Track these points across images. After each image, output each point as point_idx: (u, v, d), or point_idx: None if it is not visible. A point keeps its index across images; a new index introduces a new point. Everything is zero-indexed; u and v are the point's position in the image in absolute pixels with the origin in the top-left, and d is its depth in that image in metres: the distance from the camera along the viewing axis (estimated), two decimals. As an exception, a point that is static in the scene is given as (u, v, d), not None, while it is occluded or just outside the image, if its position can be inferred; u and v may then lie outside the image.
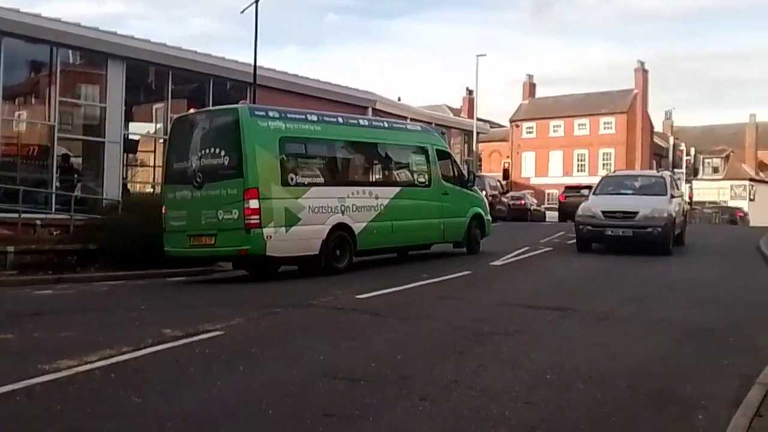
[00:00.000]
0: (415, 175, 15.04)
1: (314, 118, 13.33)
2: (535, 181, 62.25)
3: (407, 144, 15.22)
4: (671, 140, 60.88)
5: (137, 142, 26.20)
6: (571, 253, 16.20)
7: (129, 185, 24.74)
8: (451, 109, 63.48)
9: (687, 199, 29.98)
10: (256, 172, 11.64)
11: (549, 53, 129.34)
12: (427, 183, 15.02)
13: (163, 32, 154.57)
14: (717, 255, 16.51)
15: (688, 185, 56.45)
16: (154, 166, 25.18)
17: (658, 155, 66.01)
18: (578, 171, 61.23)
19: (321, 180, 12.84)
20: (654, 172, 19.30)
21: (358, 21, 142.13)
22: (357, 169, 14.18)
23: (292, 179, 12.26)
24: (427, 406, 4.93)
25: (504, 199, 34.24)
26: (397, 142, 15.00)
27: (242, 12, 20.77)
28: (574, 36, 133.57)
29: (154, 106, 26.02)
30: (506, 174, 44.30)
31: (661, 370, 6.05)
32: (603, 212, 15.67)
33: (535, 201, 42.45)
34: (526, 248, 16.42)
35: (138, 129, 26.46)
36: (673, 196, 16.56)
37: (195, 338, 7.12)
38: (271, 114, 12.41)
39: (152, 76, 24.66)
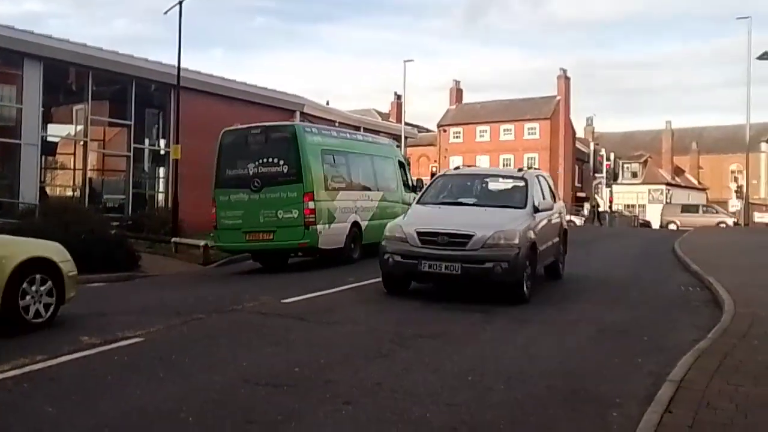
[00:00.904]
0: (389, 182, 17.59)
1: (335, 133, 16.58)
2: (462, 185, 63.03)
3: (385, 155, 18.06)
4: (592, 146, 62.79)
5: (56, 144, 25.43)
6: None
7: (48, 189, 23.98)
8: (379, 113, 63.81)
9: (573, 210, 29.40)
10: (311, 179, 14.07)
11: (475, 60, 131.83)
12: (395, 188, 17.72)
13: (85, 33, 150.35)
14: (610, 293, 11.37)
15: (608, 189, 58.24)
16: (74, 169, 24.47)
17: (580, 160, 67.88)
18: (504, 175, 62.38)
19: (344, 185, 15.40)
20: (514, 171, 12.51)
21: (286, 25, 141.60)
22: (361, 176, 16.50)
23: (329, 185, 14.78)
24: (350, 410, 4.94)
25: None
26: (380, 153, 17.77)
27: (165, 13, 20.35)
28: (500, 44, 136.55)
29: (75, 108, 25.25)
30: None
31: (578, 369, 6.22)
32: (419, 234, 9.78)
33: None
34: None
35: (57, 131, 25.69)
36: (538, 209, 10.74)
37: (113, 345, 6.95)
38: (313, 130, 15.34)
39: (72, 77, 23.94)
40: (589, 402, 5.24)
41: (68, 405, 5.09)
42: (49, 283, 8.17)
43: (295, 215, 13.82)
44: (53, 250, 8.60)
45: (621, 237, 23.24)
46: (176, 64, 20.65)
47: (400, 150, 21.87)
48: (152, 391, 5.43)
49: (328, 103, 42.37)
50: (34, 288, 7.95)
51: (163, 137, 26.47)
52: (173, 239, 18.81)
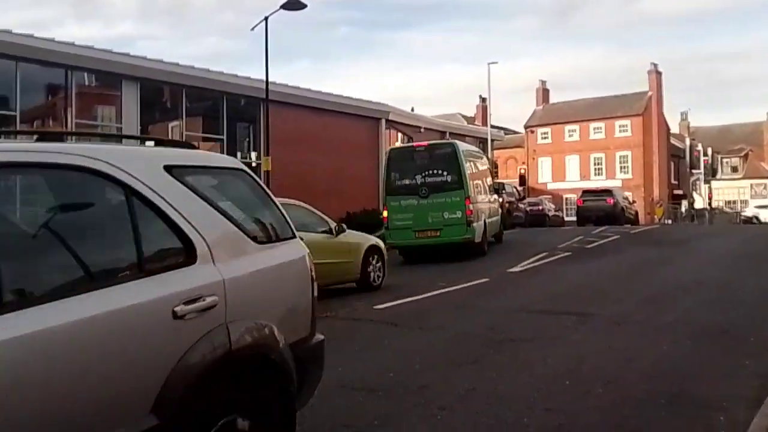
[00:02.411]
0: (489, 185, 20.94)
1: (469, 148, 20.83)
2: (552, 186, 62.01)
3: (485, 163, 21.88)
4: (688, 141, 60.57)
5: (154, 161, 26.47)
6: (589, 258, 16.13)
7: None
8: (464, 117, 63.52)
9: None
10: (469, 185, 17.31)
11: (560, 59, 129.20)
12: (491, 191, 21.00)
13: (176, 52, 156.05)
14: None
15: (707, 185, 56.06)
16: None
17: (675, 156, 65.66)
18: (595, 175, 60.97)
19: (480, 190, 18.84)
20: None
21: (369, 34, 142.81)
22: (481, 182, 19.54)
23: (474, 190, 17.89)
24: (445, 415, 4.94)
25: (521, 206, 34.16)
26: (483, 161, 21.62)
27: (252, 29, 20.95)
28: (585, 41, 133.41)
29: (170, 125, 26.25)
30: (522, 180, 44.26)
31: (679, 371, 6.01)
32: None
33: (553, 206, 42.29)
34: (544, 254, 16.38)
35: (154, 148, 26.72)
36: None
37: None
38: (470, 148, 20.44)
39: (166, 95, 24.91)
40: (692, 405, 5.05)
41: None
42: (381, 261, 12.69)
43: (459, 215, 16.84)
44: (379, 241, 13.11)
45: (721, 235, 22.32)
46: (264, 78, 21.18)
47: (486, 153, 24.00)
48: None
49: (413, 110, 42.51)
50: (374, 263, 12.48)
51: (254, 149, 27.17)
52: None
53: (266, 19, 20.40)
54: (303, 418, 4.98)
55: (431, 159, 17.69)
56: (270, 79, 21.59)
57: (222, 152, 25.27)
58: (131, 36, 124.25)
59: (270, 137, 21.96)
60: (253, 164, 27.08)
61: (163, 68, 22.71)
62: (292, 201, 12.15)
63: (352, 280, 12.29)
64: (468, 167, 17.76)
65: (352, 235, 12.61)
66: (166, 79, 23.02)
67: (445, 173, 17.33)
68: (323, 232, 11.85)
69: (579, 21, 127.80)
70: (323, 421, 4.88)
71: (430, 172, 17.39)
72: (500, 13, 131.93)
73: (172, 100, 24.68)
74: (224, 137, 25.22)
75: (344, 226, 12.77)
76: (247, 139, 28.04)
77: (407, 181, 17.56)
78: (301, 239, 7.96)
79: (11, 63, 19.48)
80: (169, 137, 26.09)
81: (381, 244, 13.14)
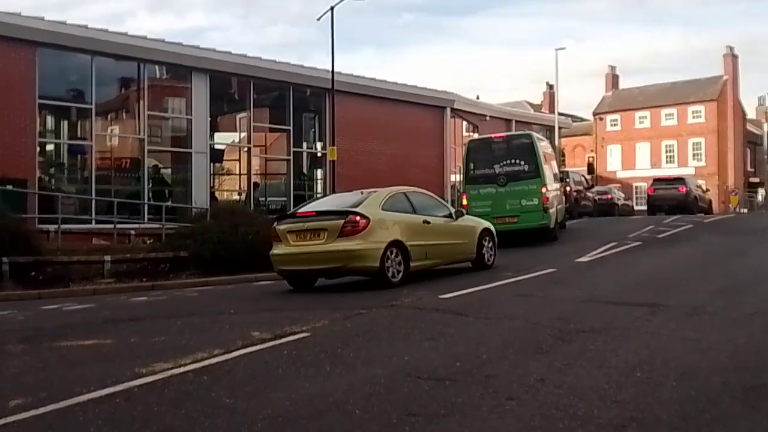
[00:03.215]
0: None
1: (543, 136, 23.09)
2: (621, 174, 60.72)
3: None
4: (765, 127, 58.41)
5: (223, 151, 27.01)
6: (661, 247, 15.74)
7: (216, 193, 25.52)
8: (531, 105, 62.69)
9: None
10: (544, 175, 18.28)
11: (630, 43, 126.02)
12: None
13: (242, 42, 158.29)
14: None
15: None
16: (239, 174, 25.88)
17: (752, 143, 63.41)
18: (667, 162, 59.43)
19: (553, 178, 19.70)
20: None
21: (433, 19, 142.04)
22: (549, 170, 19.67)
23: (549, 178, 18.78)
24: (514, 405, 4.89)
25: (589, 194, 33.55)
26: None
27: (318, 19, 21.13)
28: (656, 23, 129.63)
29: (238, 116, 26.76)
30: (591, 168, 43.35)
31: (755, 365, 5.82)
32: None
33: (623, 195, 41.42)
34: (613, 244, 16.08)
35: (223, 139, 27.28)
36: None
37: (282, 340, 7.28)
38: (539, 137, 20.75)
39: (235, 86, 25.39)
40: (771, 400, 4.89)
41: (243, 395, 5.39)
42: (492, 243, 13.68)
43: (536, 203, 17.82)
44: (490, 225, 14.08)
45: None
46: (330, 69, 21.34)
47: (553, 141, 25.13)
48: (320, 383, 5.64)
49: (478, 98, 42.18)
50: (486, 245, 13.46)
51: (320, 140, 27.47)
52: (333, 238, 19.44)
53: (332, 8, 20.55)
54: (370, 405, 5.03)
55: (509, 149, 18.75)
56: (335, 69, 21.72)
57: (288, 142, 25.61)
58: (201, 27, 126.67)
59: (335, 127, 22.15)
60: (319, 154, 27.37)
61: (231, 60, 23.14)
62: (419, 189, 13.64)
63: (469, 259, 13.25)
64: (542, 157, 18.64)
65: (468, 219, 13.81)
66: (234, 70, 23.46)
67: (522, 163, 18.35)
68: (445, 216, 12.93)
69: (653, 3, 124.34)
70: (389, 409, 4.89)
71: (508, 161, 18.45)
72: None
73: (240, 92, 25.12)
74: (291, 127, 25.56)
75: (463, 210, 14.18)
76: (313, 129, 28.36)
77: (486, 171, 18.62)
78: (428, 222, 12.41)
79: (87, 57, 20.17)
80: (236, 127, 26.57)
81: (492, 227, 13.96)
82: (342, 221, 11.06)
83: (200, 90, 22.66)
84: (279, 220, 12.18)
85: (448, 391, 5.26)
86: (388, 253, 11.15)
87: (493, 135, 20.82)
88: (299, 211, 12.49)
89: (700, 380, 5.36)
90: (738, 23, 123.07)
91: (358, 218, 11.06)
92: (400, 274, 11.34)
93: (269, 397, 5.34)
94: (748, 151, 63.79)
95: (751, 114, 67.53)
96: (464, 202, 18.40)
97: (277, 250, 11.73)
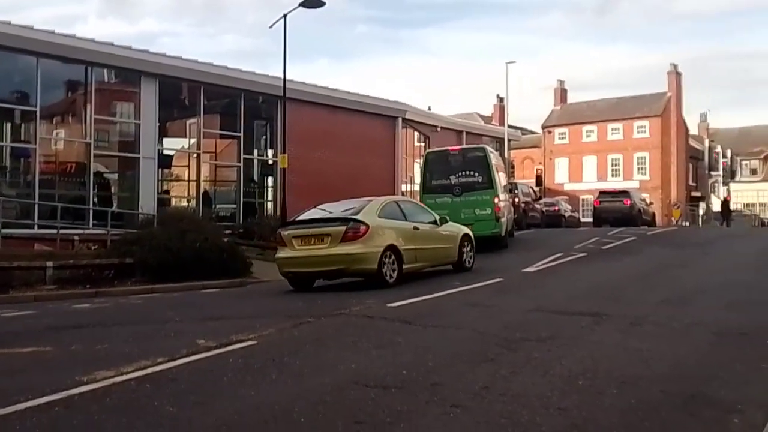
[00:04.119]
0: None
1: (494, 149, 24.40)
2: (568, 186, 61.78)
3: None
4: (707, 143, 60.17)
5: (172, 157, 26.64)
6: (606, 259, 16.05)
7: (165, 200, 25.14)
8: (482, 117, 63.40)
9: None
10: (497, 185, 19.37)
11: (581, 59, 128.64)
12: None
13: (195, 49, 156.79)
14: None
15: (725, 187, 55.57)
16: (189, 180, 25.55)
17: (694, 158, 65.17)
18: (613, 176, 60.69)
19: (502, 189, 20.30)
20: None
21: (387, 32, 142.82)
22: (500, 181, 20.56)
23: (501, 189, 19.79)
24: (459, 413, 4.92)
25: (537, 206, 34.04)
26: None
27: (271, 26, 21.00)
28: (607, 40, 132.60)
29: (188, 122, 26.42)
30: (539, 180, 44.09)
31: (695, 373, 5.97)
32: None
33: (569, 207, 42.14)
34: (559, 254, 16.33)
35: (172, 144, 26.91)
36: None
37: (228, 348, 7.20)
38: (491, 149, 21.80)
39: (185, 92, 25.07)
40: (708, 408, 5.01)
41: (187, 404, 5.31)
42: (471, 248, 14.78)
43: (489, 212, 18.67)
44: (469, 231, 15.15)
45: (739, 237, 22.15)
46: (282, 76, 21.24)
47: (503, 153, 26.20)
48: (266, 392, 5.60)
49: (430, 108, 42.48)
50: (466, 249, 14.54)
51: (271, 147, 27.29)
52: (282, 246, 19.32)
53: (285, 16, 20.46)
54: (316, 413, 5.01)
55: (464, 161, 19.68)
56: (288, 77, 21.64)
57: (239, 149, 25.40)
58: (153, 33, 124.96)
59: (287, 135, 22.03)
60: (270, 162, 27.20)
61: (181, 65, 22.86)
62: (408, 198, 16.16)
63: (451, 262, 14.30)
64: (495, 169, 19.59)
65: (451, 226, 14.75)
66: (184, 76, 23.17)
67: (476, 174, 19.30)
68: (431, 223, 14.12)
69: (607, 20, 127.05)
70: (336, 417, 4.88)
71: (463, 173, 19.39)
72: (522, 12, 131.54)
73: (191, 97, 24.82)
74: (241, 134, 25.35)
75: (446, 218, 14.94)
76: (264, 137, 28.16)
77: (442, 181, 19.50)
78: (417, 228, 13.56)
79: (32, 59, 19.69)
80: (187, 134, 26.25)
81: (471, 233, 15.11)
82: (344, 227, 12.21)
83: (149, 95, 22.31)
84: (283, 226, 13.45)
85: (394, 399, 5.26)
86: (385, 256, 12.27)
87: (449, 148, 22.27)
88: (299, 218, 13.47)
89: (641, 389, 5.47)
90: (684, 42, 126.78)
91: (359, 225, 12.20)
92: (395, 276, 12.45)
93: (214, 406, 5.27)
94: (690, 165, 65.53)
95: (693, 130, 69.43)
96: None
97: (283, 253, 12.81)
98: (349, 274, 12.59)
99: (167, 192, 26.43)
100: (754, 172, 68.81)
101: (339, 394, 5.44)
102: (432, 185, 19.66)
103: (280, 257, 12.87)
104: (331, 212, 13.35)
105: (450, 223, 14.88)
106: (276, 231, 21.05)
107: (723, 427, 4.62)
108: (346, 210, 13.08)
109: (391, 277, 12.37)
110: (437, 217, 14.36)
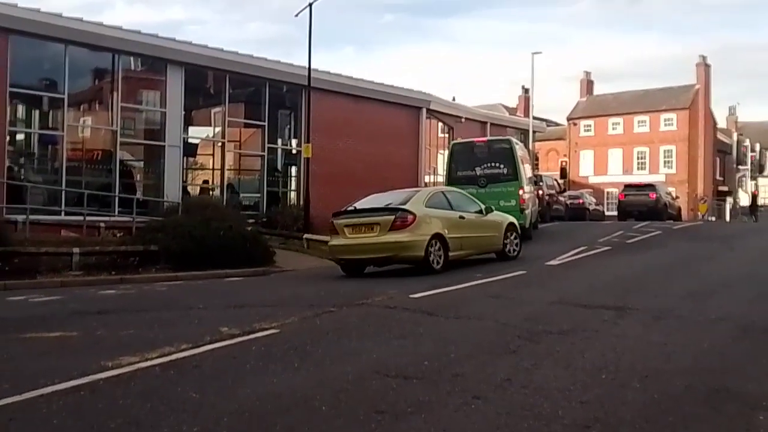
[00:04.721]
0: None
1: (520, 141, 24.59)
2: (593, 179, 61.26)
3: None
4: (735, 136, 59.30)
5: (197, 145, 26.82)
6: (630, 253, 15.92)
7: (189, 188, 25.32)
8: (506, 108, 62.99)
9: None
10: (522, 177, 19.50)
11: (609, 49, 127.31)
12: None
13: (221, 37, 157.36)
14: None
15: (753, 182, 54.79)
16: (213, 169, 25.72)
17: (722, 152, 64.31)
18: (638, 169, 60.06)
19: (528, 181, 20.62)
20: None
21: (414, 20, 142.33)
22: (525, 173, 20.72)
23: (525, 181, 19.87)
24: (480, 404, 4.92)
25: (561, 198, 33.83)
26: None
27: (296, 15, 21.05)
28: (636, 29, 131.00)
29: (213, 111, 26.56)
30: (563, 173, 43.71)
31: (719, 368, 5.91)
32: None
33: (594, 200, 41.81)
34: (583, 248, 16.22)
35: (197, 133, 27.08)
36: None
37: (251, 336, 7.26)
38: (518, 142, 21.84)
39: (210, 80, 25.20)
40: (732, 402, 4.96)
41: (210, 390, 5.37)
42: (516, 236, 15.14)
43: (513, 204, 18.54)
44: (515, 220, 15.66)
45: (767, 232, 21.85)
46: (307, 65, 21.27)
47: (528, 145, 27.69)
48: (288, 380, 5.63)
49: (454, 99, 42.30)
50: (510, 238, 14.91)
51: (295, 137, 27.35)
52: (305, 236, 19.42)
53: (310, 5, 20.47)
54: (337, 401, 5.04)
55: (489, 153, 19.89)
56: (312, 66, 21.67)
57: (263, 138, 25.50)
58: (179, 20, 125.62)
59: (311, 124, 22.06)
60: (294, 151, 27.27)
61: (207, 53, 22.95)
62: (452, 189, 15.92)
63: (496, 251, 14.72)
64: (520, 161, 19.77)
65: (496, 214, 15.16)
66: (210, 64, 23.27)
67: (501, 166, 19.50)
68: (477, 212, 14.56)
69: (638, 9, 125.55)
70: (357, 406, 4.90)
71: (488, 164, 19.58)
72: (552, 0, 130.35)
73: (216, 86, 24.94)
74: (266, 123, 25.45)
75: (492, 207, 15.28)
76: (289, 126, 28.24)
77: (468, 172, 19.59)
78: (463, 217, 14.11)
79: (60, 46, 19.88)
80: (212, 123, 26.40)
81: (516, 222, 15.58)
82: (393, 217, 12.90)
83: (175, 83, 22.45)
84: (335, 215, 13.86)
85: (415, 389, 5.28)
86: (431, 244, 12.86)
87: (475, 139, 22.51)
88: (350, 207, 14.07)
89: (664, 383, 5.43)
90: (713, 32, 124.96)
91: (407, 214, 12.86)
92: (441, 263, 13.00)
93: (236, 393, 5.32)
94: (718, 159, 64.69)
95: (721, 123, 68.51)
96: None
97: (335, 241, 13.59)
98: (398, 261, 13.18)
99: (191, 180, 26.60)
100: (782, 166, 67.78)
101: (360, 384, 5.46)
102: (457, 176, 19.76)
103: (333, 244, 13.66)
104: (380, 202, 13.97)
105: (495, 212, 15.26)
106: (298, 219, 21.49)
107: (747, 423, 4.57)
108: (395, 200, 13.74)
109: (438, 263, 12.93)
110: (483, 207, 14.79)
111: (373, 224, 13.00)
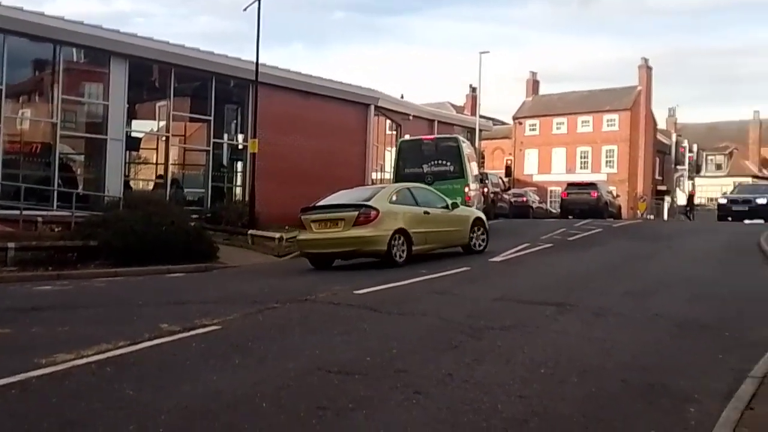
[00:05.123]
0: None
1: (466, 139, 24.31)
2: (537, 178, 62.16)
3: None
4: (674, 137, 60.81)
5: (140, 139, 26.28)
6: (571, 250, 16.20)
7: (132, 182, 24.81)
8: (454, 106, 63.45)
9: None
10: (469, 175, 19.87)
11: (556, 50, 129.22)
12: None
13: (169, 31, 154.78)
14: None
15: (690, 182, 56.34)
16: (157, 164, 25.26)
17: (661, 152, 65.93)
18: (581, 168, 61.16)
19: (473, 179, 20.86)
20: None
21: (365, 18, 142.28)
22: (472, 170, 21.11)
23: (471, 179, 20.14)
24: (421, 399, 4.95)
25: (506, 196, 34.20)
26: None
27: (245, 9, 20.78)
28: (584, 32, 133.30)
29: (157, 104, 26.04)
30: (508, 171, 44.15)
31: (655, 364, 6.05)
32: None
33: (538, 198, 42.41)
34: (526, 244, 16.43)
35: (141, 126, 26.52)
36: None
37: (192, 333, 7.16)
38: (464, 139, 22.16)
39: (155, 74, 24.69)
40: (666, 397, 5.09)
41: (148, 388, 5.27)
42: (483, 231, 15.49)
43: (459, 201, 17.44)
44: (482, 215, 16.08)
45: (703, 232, 22.46)
46: (255, 60, 21.04)
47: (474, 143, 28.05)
48: (229, 377, 5.57)
49: (402, 97, 42.41)
50: (477, 233, 15.32)
51: (242, 132, 27.03)
52: (250, 231, 19.22)
53: (259, 0, 20.24)
54: (279, 398, 5.00)
55: (437, 150, 20.21)
56: (261, 62, 21.44)
57: (209, 133, 25.14)
58: (126, 12, 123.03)
59: (258, 120, 21.85)
60: (240, 146, 26.97)
61: (152, 46, 22.49)
62: (420, 185, 16.33)
63: (461, 245, 15.10)
64: (466, 159, 20.00)
65: (462, 210, 15.65)
66: (155, 57, 22.81)
67: (448, 164, 19.82)
68: (443, 207, 14.97)
69: (590, 12, 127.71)
70: (297, 402, 4.88)
71: (436, 162, 19.91)
72: (504, 1, 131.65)
73: (161, 79, 24.46)
74: (212, 118, 25.06)
75: (457, 202, 15.70)
76: (235, 121, 27.89)
77: (415, 169, 19.83)
78: (428, 213, 14.48)
79: (-1, 36, 19.24)
80: (156, 116, 25.92)
81: (484, 216, 16.04)
82: (357, 213, 13.31)
83: (118, 76, 21.92)
84: (303, 211, 14.17)
85: (357, 385, 5.27)
86: (394, 239, 13.29)
87: (423, 137, 22.63)
88: (318, 204, 14.32)
89: (602, 378, 5.54)
90: (659, 36, 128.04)
91: (370, 210, 13.29)
92: (404, 256, 13.44)
93: (176, 390, 5.24)
94: (657, 159, 66.26)
95: (661, 124, 70.21)
96: None
97: (303, 236, 14.06)
98: (362, 254, 13.59)
99: (134, 175, 26.06)
100: (719, 167, 69.88)
101: (302, 380, 5.43)
102: (405, 173, 19.97)
103: (301, 239, 14.18)
104: (347, 198, 14.42)
105: (462, 207, 15.81)
106: (243, 215, 21.28)
107: (680, 416, 4.69)
108: (361, 196, 14.26)
109: (400, 257, 13.37)
110: (449, 202, 15.21)
111: (338, 220, 13.43)
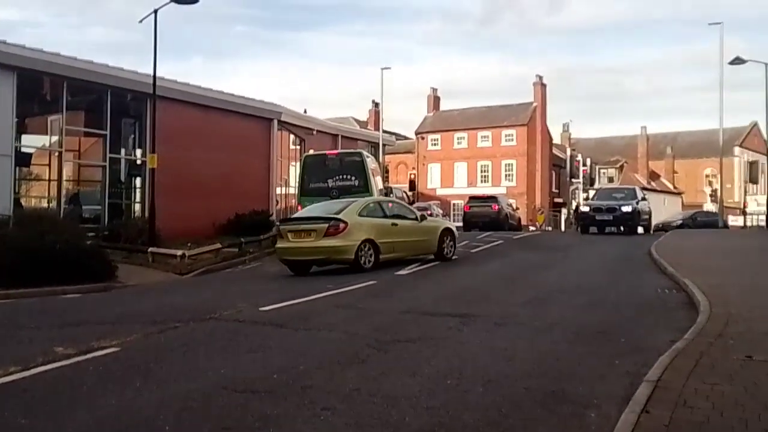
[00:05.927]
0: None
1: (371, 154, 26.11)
2: (441, 191, 63.26)
3: None
4: (569, 151, 63.07)
5: (31, 155, 25.15)
6: (474, 262, 16.52)
7: (23, 200, 23.70)
8: (357, 121, 63.83)
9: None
10: (374, 189, 20.11)
11: (454, 67, 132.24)
12: None
13: (60, 42, 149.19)
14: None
15: (585, 194, 58.52)
16: (50, 180, 24.23)
17: (557, 166, 68.30)
18: (482, 182, 62.67)
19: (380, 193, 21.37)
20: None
21: (266, 33, 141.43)
22: (378, 185, 21.66)
23: (377, 193, 20.25)
24: (329, 415, 4.92)
25: (410, 210, 34.54)
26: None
27: (141, 21, 20.27)
28: (479, 50, 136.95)
29: (50, 118, 24.98)
30: (412, 185, 44.83)
31: (555, 370, 6.23)
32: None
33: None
34: (431, 257, 16.64)
35: (32, 141, 25.39)
36: None
37: (89, 356, 6.88)
38: (368, 154, 22.99)
39: (46, 87, 23.70)
40: (567, 403, 5.24)
41: (41, 416, 5.02)
42: (452, 240, 16.76)
43: None
44: (451, 225, 17.65)
45: (598, 242, 23.37)
46: (152, 73, 20.54)
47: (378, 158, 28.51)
48: (128, 400, 5.37)
49: (306, 111, 42.33)
50: (447, 242, 16.56)
51: (140, 147, 26.28)
52: (150, 249, 18.68)
53: (155, 12, 19.80)
54: (181, 420, 4.86)
55: (341, 165, 20.70)
56: (159, 75, 20.94)
57: (105, 148, 24.32)
58: (13, 22, 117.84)
59: (157, 134, 21.31)
60: (138, 161, 26.22)
61: (42, 58, 21.59)
62: (392, 199, 18.27)
63: (431, 252, 16.38)
64: (371, 173, 20.55)
65: (431, 221, 17.45)
66: (46, 69, 21.90)
67: (353, 178, 20.28)
68: (412, 219, 16.30)
69: (487, 30, 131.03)
70: (201, 423, 4.76)
71: (341, 176, 20.34)
72: (403, 18, 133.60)
73: (53, 92, 23.49)
74: (107, 133, 24.26)
75: (425, 214, 17.71)
76: (133, 136, 27.08)
77: (320, 184, 20.28)
78: (395, 224, 15.65)
79: None
80: (48, 131, 24.87)
81: (453, 227, 17.52)
82: (327, 225, 14.55)
83: (6, 88, 20.94)
84: (282, 222, 16.06)
85: (264, 404, 5.19)
86: (362, 248, 14.50)
87: (327, 152, 23.24)
88: (294, 216, 16.07)
89: (505, 386, 5.66)
90: (552, 55, 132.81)
91: (339, 223, 14.51)
92: (371, 263, 14.67)
93: (71, 417, 5.01)
94: (553, 173, 68.66)
95: (556, 139, 72.83)
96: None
97: (281, 244, 15.32)
98: (332, 262, 14.87)
99: (25, 192, 24.90)
100: (611, 179, 72.81)
101: (206, 401, 5.30)
102: (310, 188, 20.32)
103: (279, 247, 15.50)
104: (320, 211, 15.59)
105: (431, 219, 17.47)
106: (142, 232, 20.67)
107: (579, 421, 4.84)
108: (333, 209, 15.33)
109: (366, 264, 14.55)
110: (418, 214, 16.64)
111: (311, 230, 14.65)
